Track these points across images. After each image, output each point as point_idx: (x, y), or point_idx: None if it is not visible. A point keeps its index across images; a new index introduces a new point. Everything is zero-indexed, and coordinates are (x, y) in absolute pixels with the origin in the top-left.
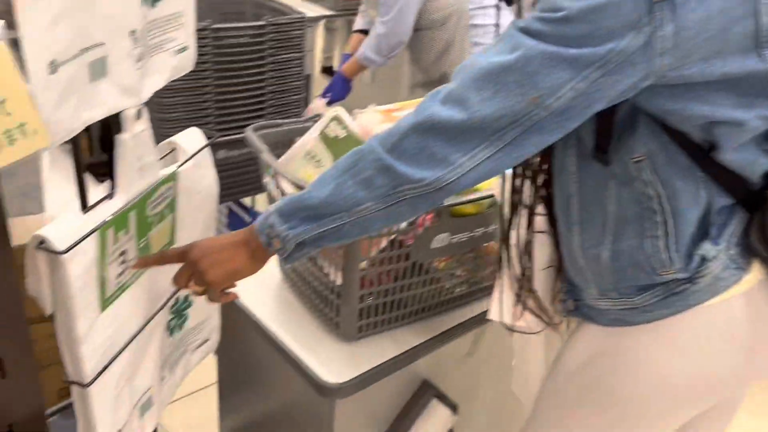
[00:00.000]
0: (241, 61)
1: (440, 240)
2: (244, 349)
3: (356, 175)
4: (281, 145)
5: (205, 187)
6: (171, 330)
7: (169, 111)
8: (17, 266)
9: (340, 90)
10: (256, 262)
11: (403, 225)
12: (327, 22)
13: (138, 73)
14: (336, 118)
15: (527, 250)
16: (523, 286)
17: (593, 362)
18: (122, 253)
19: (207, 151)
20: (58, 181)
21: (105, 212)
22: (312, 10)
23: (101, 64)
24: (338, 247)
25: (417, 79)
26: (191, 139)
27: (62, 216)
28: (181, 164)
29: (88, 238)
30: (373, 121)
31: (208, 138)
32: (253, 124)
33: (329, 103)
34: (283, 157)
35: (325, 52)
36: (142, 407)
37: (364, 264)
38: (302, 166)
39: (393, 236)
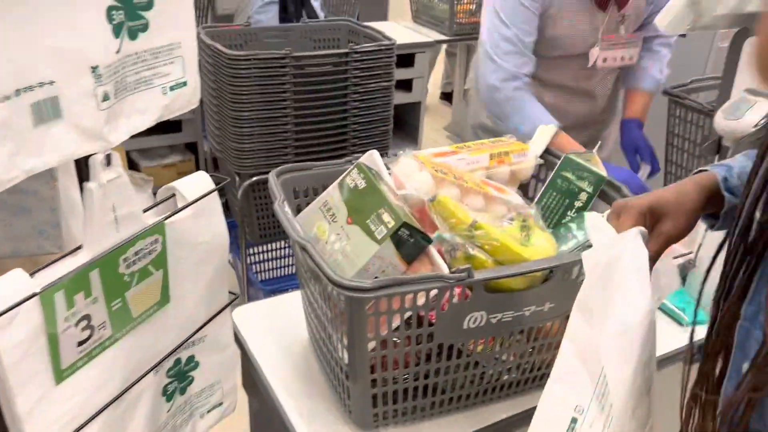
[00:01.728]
0: (323, 90)
1: (475, 319)
2: (263, 410)
3: None
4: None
5: (211, 237)
6: (169, 395)
7: (245, 141)
8: None
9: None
10: None
11: (422, 300)
12: (448, 47)
13: (104, 114)
14: (359, 166)
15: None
16: None
17: None
18: (84, 318)
19: (214, 197)
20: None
21: (59, 272)
22: (427, 35)
23: (51, 106)
24: (341, 316)
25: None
26: (195, 184)
27: (8, 275)
28: (171, 214)
29: (29, 303)
30: (409, 168)
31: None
32: (335, 155)
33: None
34: (307, 208)
35: (444, 78)
36: None
37: (373, 344)
38: (317, 220)
39: (409, 314)
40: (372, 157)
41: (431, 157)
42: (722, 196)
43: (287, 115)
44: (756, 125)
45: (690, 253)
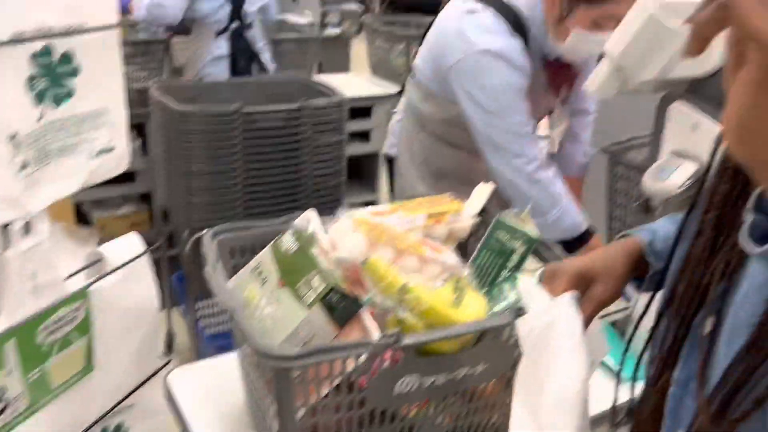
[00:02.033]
0: (274, 144)
1: (407, 383)
2: None
3: None
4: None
5: (140, 302)
6: None
7: (194, 195)
8: None
9: None
10: None
11: (350, 366)
12: None
13: (23, 182)
14: (293, 228)
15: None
16: None
17: None
18: None
19: (144, 261)
20: None
21: None
22: (384, 88)
23: None
24: (269, 384)
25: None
26: (122, 248)
27: None
28: (95, 281)
29: None
30: (344, 230)
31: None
32: (286, 209)
33: None
34: (241, 270)
35: None
36: None
37: (302, 412)
38: (249, 283)
39: (338, 380)
40: (308, 219)
41: (369, 216)
42: (648, 260)
43: (236, 169)
44: (681, 186)
45: (627, 308)
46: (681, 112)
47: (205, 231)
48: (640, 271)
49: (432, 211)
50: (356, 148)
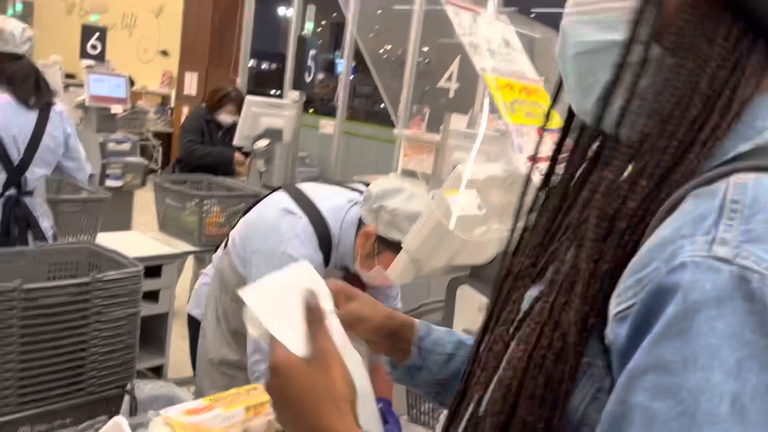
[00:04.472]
0: (59, 322)
1: None
2: None
3: None
4: None
5: None
6: None
7: None
8: None
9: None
10: None
11: None
12: (196, 255)
13: None
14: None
15: None
16: None
17: None
18: None
19: None
20: None
21: None
22: (175, 246)
23: None
24: None
25: None
26: None
27: None
28: None
29: None
30: None
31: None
32: (69, 392)
33: None
34: None
35: (194, 283)
36: None
37: None
38: None
39: None
40: (118, 424)
41: (182, 415)
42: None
43: (11, 353)
44: None
45: None
46: (467, 295)
47: None
48: (400, 351)
49: (250, 404)
50: (144, 310)
